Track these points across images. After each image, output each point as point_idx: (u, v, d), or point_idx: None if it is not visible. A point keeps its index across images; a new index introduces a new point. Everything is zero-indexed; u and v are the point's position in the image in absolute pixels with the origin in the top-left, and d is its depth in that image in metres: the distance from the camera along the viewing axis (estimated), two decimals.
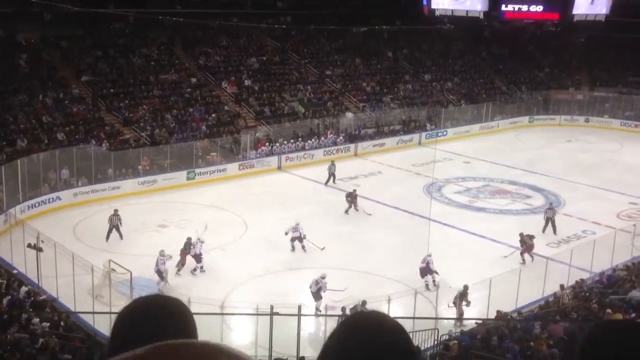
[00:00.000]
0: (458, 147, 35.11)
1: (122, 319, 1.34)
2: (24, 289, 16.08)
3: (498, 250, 21.25)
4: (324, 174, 28.58)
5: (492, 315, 15.68)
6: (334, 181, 28.26)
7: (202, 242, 19.12)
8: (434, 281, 18.41)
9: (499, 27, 46.62)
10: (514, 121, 41.79)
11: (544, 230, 22.51)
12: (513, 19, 43.29)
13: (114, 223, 21.30)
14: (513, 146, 36.55)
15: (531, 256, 20.20)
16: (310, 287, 16.94)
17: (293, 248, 20.68)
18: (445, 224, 23.35)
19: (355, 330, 1.23)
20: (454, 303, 16.70)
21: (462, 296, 16.61)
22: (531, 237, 20.45)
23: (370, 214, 24.39)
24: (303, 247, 20.64)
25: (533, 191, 28.12)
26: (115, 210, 21.64)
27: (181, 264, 18.84)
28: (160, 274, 18.03)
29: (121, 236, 21.32)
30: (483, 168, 31.68)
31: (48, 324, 13.98)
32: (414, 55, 45.07)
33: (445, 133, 37.76)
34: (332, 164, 28.78)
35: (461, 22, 44.12)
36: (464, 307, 16.63)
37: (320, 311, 16.83)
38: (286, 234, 20.62)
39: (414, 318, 14.30)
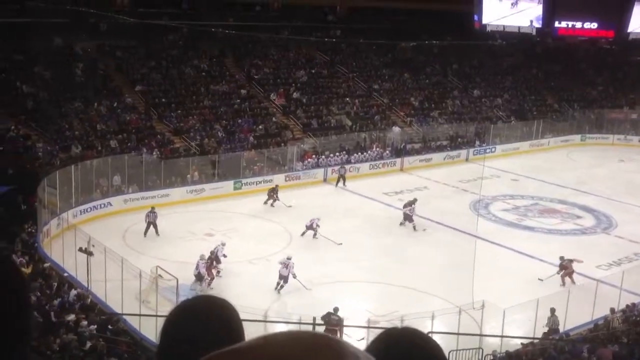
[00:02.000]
0: (506, 165, 34.53)
1: (171, 319, 1.37)
2: (73, 291, 16.51)
3: (546, 271, 20.78)
4: (369, 188, 28.50)
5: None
6: (344, 183, 29.37)
7: (224, 244, 19.59)
8: (281, 285, 18.47)
9: (551, 43, 45.78)
10: (565, 139, 40.91)
11: None
12: (566, 36, 42.49)
13: (151, 219, 22.39)
14: (564, 165, 35.77)
15: (572, 280, 19.57)
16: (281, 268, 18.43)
17: (315, 235, 22.41)
18: (491, 242, 22.98)
19: (399, 343, 1.24)
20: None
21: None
22: (571, 261, 19.73)
23: (290, 206, 25.74)
24: (303, 233, 22.55)
25: (583, 211, 27.44)
26: (152, 208, 22.69)
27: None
28: (201, 277, 18.32)
29: (157, 232, 22.44)
30: (532, 186, 31.06)
31: (95, 327, 14.31)
32: (463, 70, 44.70)
33: (493, 150, 37.23)
34: (342, 167, 30.12)
35: (513, 38, 43.53)
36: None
37: (281, 287, 18.25)
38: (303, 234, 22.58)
39: (458, 334, 14.12)
